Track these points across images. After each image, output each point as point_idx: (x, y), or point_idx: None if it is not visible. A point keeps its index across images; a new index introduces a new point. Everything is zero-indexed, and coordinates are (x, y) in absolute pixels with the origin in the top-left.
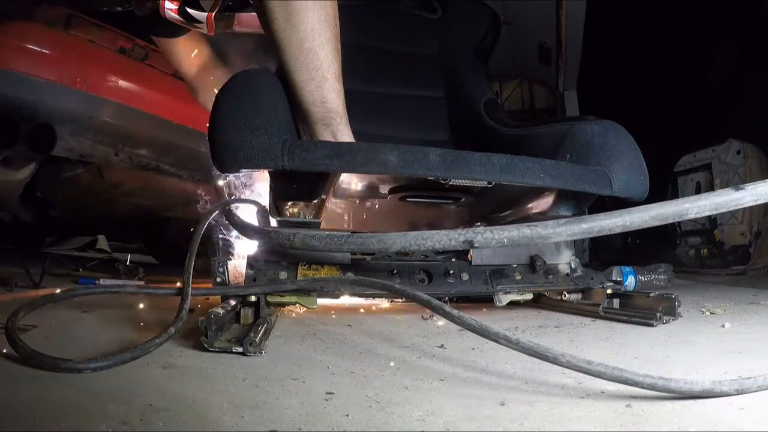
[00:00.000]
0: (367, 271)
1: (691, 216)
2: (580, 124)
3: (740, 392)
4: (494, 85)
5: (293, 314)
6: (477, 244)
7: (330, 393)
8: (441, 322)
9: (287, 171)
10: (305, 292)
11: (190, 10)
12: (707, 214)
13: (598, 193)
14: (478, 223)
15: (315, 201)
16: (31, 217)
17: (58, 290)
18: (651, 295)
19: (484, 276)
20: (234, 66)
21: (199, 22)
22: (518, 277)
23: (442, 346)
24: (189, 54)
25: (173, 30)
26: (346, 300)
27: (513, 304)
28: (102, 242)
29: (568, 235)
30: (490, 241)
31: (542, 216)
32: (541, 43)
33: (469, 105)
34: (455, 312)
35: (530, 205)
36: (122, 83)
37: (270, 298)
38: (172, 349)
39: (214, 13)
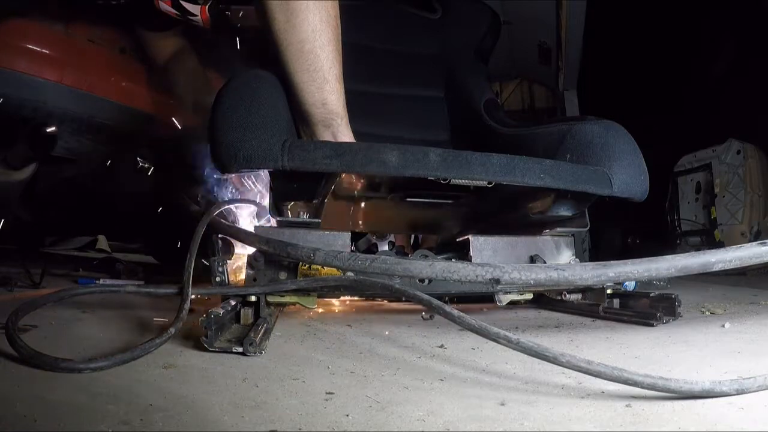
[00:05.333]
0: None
1: (717, 269)
2: (580, 124)
3: (740, 392)
4: (494, 85)
5: (293, 314)
6: (503, 283)
7: (330, 393)
8: (441, 321)
9: (287, 171)
10: (305, 292)
11: (183, 3)
12: (732, 267)
13: (598, 193)
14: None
15: (315, 201)
16: (31, 217)
17: (58, 290)
18: (651, 295)
19: None
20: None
21: (194, 14)
22: None
23: (442, 346)
24: (171, 50)
25: (164, 24)
26: None
27: (513, 304)
28: (102, 242)
29: (594, 281)
30: (516, 280)
31: (542, 215)
32: (541, 43)
33: (469, 105)
34: (455, 312)
35: (530, 205)
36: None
37: (270, 298)
38: (172, 349)
39: (208, 6)
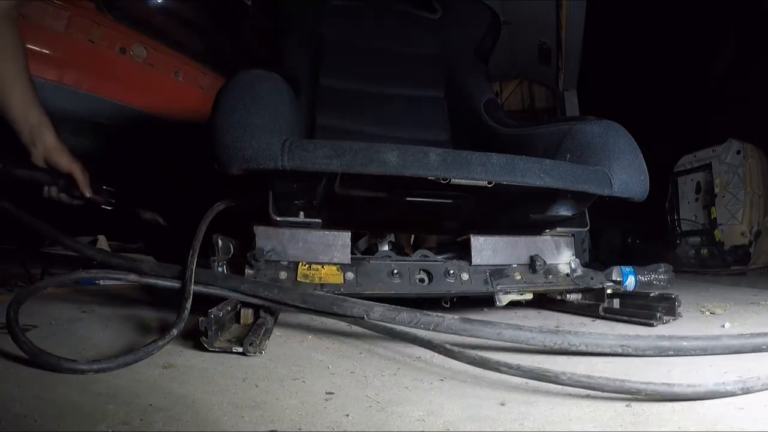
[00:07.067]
0: (367, 271)
1: None
2: (580, 124)
3: (746, 392)
4: (494, 85)
5: (293, 314)
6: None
7: (330, 393)
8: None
9: (287, 171)
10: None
11: None
12: None
13: (598, 193)
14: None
15: (315, 201)
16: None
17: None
18: (651, 295)
19: (484, 276)
20: None
21: None
22: (518, 277)
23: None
24: None
25: None
26: None
27: (513, 304)
28: (102, 242)
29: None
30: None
31: (542, 215)
32: (541, 43)
33: (469, 105)
34: (456, 349)
35: (530, 205)
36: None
37: None
38: (173, 349)
39: None
